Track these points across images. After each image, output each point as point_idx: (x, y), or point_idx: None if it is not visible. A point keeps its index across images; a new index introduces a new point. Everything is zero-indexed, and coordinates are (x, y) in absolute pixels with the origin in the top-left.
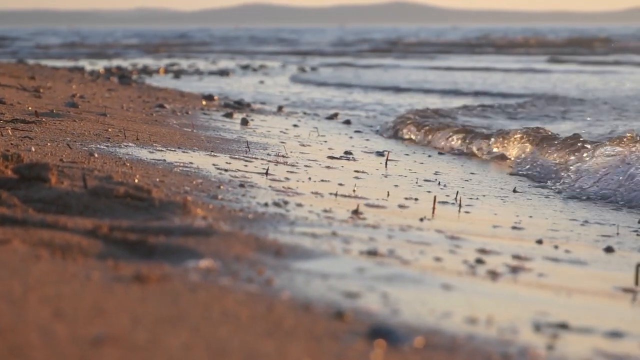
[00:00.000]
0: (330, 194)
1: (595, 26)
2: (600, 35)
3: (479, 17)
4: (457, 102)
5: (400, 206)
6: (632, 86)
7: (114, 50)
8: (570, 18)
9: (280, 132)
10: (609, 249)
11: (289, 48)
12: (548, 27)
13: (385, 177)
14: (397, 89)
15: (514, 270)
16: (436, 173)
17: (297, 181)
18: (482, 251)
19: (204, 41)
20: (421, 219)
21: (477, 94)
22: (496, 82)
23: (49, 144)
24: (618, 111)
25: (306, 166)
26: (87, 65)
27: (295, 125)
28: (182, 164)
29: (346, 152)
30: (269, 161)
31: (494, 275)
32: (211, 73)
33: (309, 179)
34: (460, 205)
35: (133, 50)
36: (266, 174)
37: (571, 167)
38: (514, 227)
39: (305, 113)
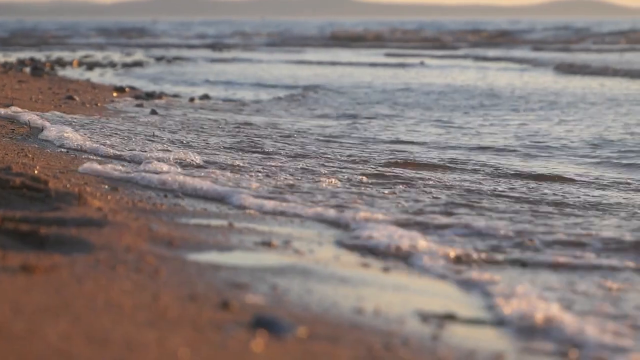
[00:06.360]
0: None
1: (507, 19)
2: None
3: (409, 10)
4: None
5: None
6: (402, 80)
7: None
8: (494, 12)
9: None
10: None
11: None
12: (466, 20)
13: None
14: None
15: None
16: None
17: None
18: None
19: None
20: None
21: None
22: (308, 76)
23: None
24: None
25: None
26: None
27: None
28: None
29: None
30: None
31: (385, 267)
32: (125, 65)
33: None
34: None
35: None
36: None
37: None
38: None
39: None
